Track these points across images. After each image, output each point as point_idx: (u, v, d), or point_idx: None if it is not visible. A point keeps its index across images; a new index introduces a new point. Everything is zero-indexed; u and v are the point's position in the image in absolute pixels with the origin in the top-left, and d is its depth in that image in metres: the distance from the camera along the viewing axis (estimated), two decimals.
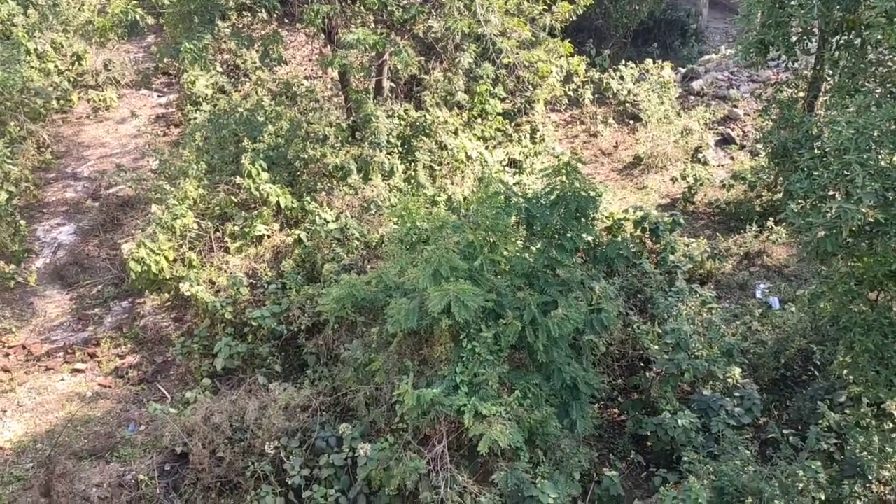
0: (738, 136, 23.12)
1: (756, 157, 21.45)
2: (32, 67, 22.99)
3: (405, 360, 11.77)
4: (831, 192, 11.79)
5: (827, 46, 16.83)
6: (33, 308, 17.01)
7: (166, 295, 16.84)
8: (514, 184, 18.45)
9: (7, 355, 15.78)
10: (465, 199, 17.86)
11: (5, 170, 18.77)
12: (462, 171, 19.79)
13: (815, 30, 17.21)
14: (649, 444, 13.22)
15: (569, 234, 12.23)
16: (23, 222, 18.12)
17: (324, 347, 14.40)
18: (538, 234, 12.53)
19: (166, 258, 16.28)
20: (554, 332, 11.29)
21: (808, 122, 16.56)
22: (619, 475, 12.12)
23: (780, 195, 19.24)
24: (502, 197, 12.38)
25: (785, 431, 12.77)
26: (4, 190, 18.13)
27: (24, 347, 15.99)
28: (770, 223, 18.70)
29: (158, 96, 25.30)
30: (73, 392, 14.95)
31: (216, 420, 12.55)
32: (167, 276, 16.29)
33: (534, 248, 12.72)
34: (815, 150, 13.26)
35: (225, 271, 16.50)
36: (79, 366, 15.58)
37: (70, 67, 24.65)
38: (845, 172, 10.63)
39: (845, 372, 12.44)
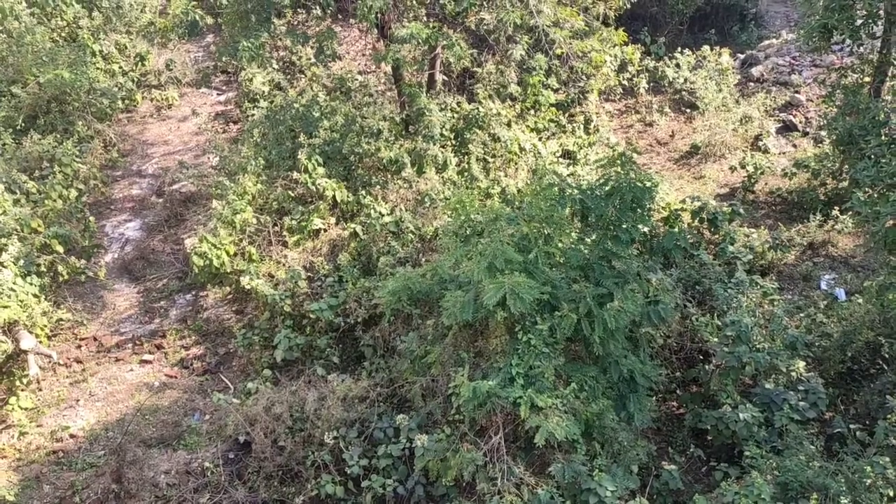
0: (800, 122, 22.45)
1: (820, 145, 20.82)
2: (98, 69, 23.83)
3: (461, 352, 11.85)
4: None
5: (894, 29, 16.24)
6: (103, 301, 17.68)
7: (228, 288, 17.30)
8: (569, 175, 18.33)
9: (79, 347, 16.44)
10: (518, 191, 17.81)
11: (75, 168, 19.51)
12: (515, 163, 19.74)
13: (881, 12, 16.62)
14: (709, 437, 13.02)
15: (624, 226, 12.11)
16: (92, 219, 18.80)
17: (380, 339, 14.60)
18: (593, 225, 12.44)
19: (227, 252, 16.70)
20: (610, 325, 11.21)
21: (874, 108, 16.02)
22: (678, 469, 11.99)
23: (845, 183, 18.65)
24: (556, 188, 12.32)
25: (852, 426, 12.41)
26: (74, 188, 18.84)
27: (95, 339, 16.64)
28: (835, 212, 18.13)
29: (218, 94, 25.90)
30: (141, 382, 15.50)
31: (277, 410, 12.87)
32: (228, 270, 16.72)
33: (589, 240, 12.63)
34: (883, 137, 12.88)
35: (283, 265, 16.85)
36: (146, 357, 16.15)
37: (134, 68, 25.44)
38: None
39: None
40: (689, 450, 13.06)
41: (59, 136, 20.53)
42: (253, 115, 21.81)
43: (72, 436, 14.15)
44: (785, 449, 12.05)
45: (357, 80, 23.04)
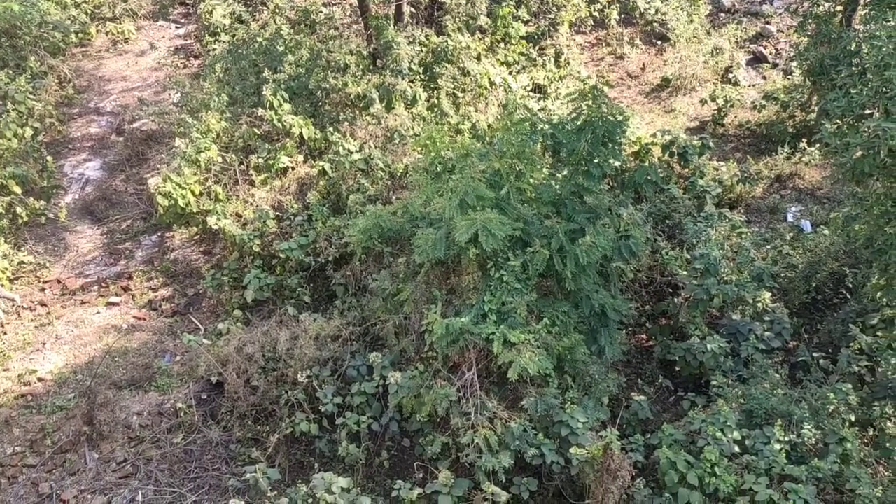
0: (770, 54, 22.34)
1: (789, 76, 20.78)
2: (49, 0, 22.72)
3: (433, 290, 11.82)
4: (869, 111, 11.46)
5: None
6: (65, 243, 17.27)
7: (194, 228, 16.99)
8: (539, 109, 18.10)
9: (43, 290, 16.12)
10: (489, 126, 17.58)
11: (29, 105, 18.77)
12: (486, 98, 19.42)
13: None
14: (677, 368, 13.29)
15: (596, 160, 12.01)
16: (49, 158, 18.21)
17: (352, 278, 14.52)
18: (565, 160, 12.33)
19: (192, 192, 16.33)
20: (582, 260, 11.23)
21: (846, 38, 15.93)
22: (647, 399, 12.25)
23: (814, 115, 18.70)
24: (527, 123, 12.14)
25: (815, 354, 12.75)
26: (30, 126, 18.17)
27: (59, 282, 16.31)
28: (803, 144, 18.24)
29: (176, 27, 24.95)
30: (109, 325, 15.29)
31: (249, 350, 12.82)
32: (194, 210, 16.38)
33: (560, 175, 12.55)
34: (854, 67, 12.85)
35: (251, 204, 16.55)
36: (113, 299, 15.89)
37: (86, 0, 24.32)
38: (885, 89, 10.29)
39: (879, 294, 12.30)
40: (658, 381, 13.35)
41: (10, 72, 19.68)
42: (214, 49, 21.08)
43: (40, 379, 13.98)
44: (750, 378, 12.37)
45: (322, 12, 22.30)
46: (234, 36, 21.26)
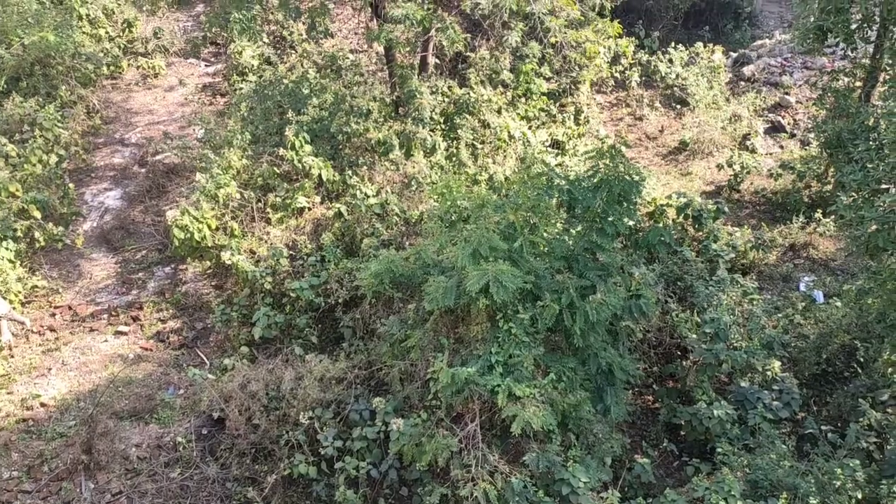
0: (788, 124, 22.54)
1: (807, 147, 20.93)
2: (84, 33, 23.41)
3: (441, 338, 11.80)
4: (885, 186, 11.52)
5: (887, 35, 16.33)
6: (80, 270, 17.43)
7: (208, 262, 17.11)
8: (557, 165, 18.28)
9: (53, 315, 16.21)
10: (506, 178, 17.75)
11: (56, 133, 19.14)
12: (504, 151, 19.66)
13: (876, 17, 16.68)
14: (683, 433, 13.11)
15: (610, 219, 12.07)
16: (71, 185, 18.49)
17: (360, 321, 14.52)
18: (579, 217, 12.40)
19: (209, 226, 16.50)
20: (591, 317, 11.20)
21: (864, 113, 16.10)
22: (651, 462, 12.05)
23: (830, 187, 18.77)
24: (544, 178, 12.26)
25: (823, 428, 12.56)
26: (55, 153, 18.50)
27: (70, 308, 16.41)
28: (818, 215, 18.26)
29: (206, 66, 25.52)
30: (115, 353, 15.32)
31: (253, 388, 12.77)
32: (209, 244, 16.53)
33: (574, 231, 12.60)
34: (871, 142, 12.95)
35: (266, 242, 16.69)
36: (122, 328, 15.95)
37: (120, 34, 25.01)
38: None
39: (890, 370, 12.18)
40: (663, 444, 13.16)
41: (41, 99, 20.16)
42: (241, 88, 21.52)
43: (42, 405, 13.97)
44: (757, 447, 12.17)
45: (348, 58, 22.80)
46: (261, 77, 21.73)
